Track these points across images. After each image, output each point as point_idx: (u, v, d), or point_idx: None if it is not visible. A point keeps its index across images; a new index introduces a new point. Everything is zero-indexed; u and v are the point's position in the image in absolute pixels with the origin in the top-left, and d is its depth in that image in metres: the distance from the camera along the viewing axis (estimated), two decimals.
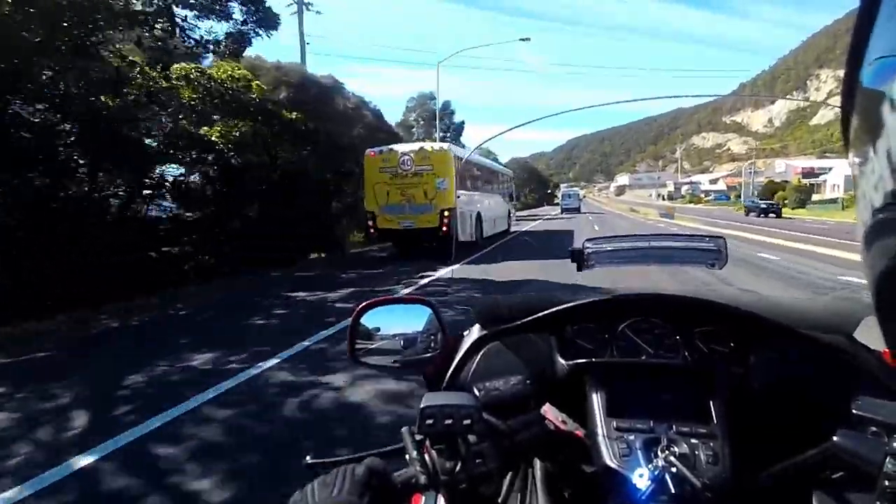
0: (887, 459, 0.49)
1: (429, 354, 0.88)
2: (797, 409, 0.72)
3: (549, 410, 0.72)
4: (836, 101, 0.32)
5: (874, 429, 0.56)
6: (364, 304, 0.89)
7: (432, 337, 0.89)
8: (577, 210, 39.63)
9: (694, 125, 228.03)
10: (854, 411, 0.58)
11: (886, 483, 0.48)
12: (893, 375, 0.69)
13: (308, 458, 0.62)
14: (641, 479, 0.60)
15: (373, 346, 0.90)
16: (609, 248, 1.02)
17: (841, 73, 0.32)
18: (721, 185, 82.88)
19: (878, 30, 0.29)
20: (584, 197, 72.19)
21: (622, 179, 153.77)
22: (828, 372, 0.74)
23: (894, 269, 0.27)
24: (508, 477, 0.79)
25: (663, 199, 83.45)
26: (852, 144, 0.32)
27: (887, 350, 0.72)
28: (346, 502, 0.50)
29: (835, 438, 0.57)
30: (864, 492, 0.54)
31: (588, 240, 1.02)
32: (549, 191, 79.53)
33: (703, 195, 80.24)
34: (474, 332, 0.90)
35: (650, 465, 0.62)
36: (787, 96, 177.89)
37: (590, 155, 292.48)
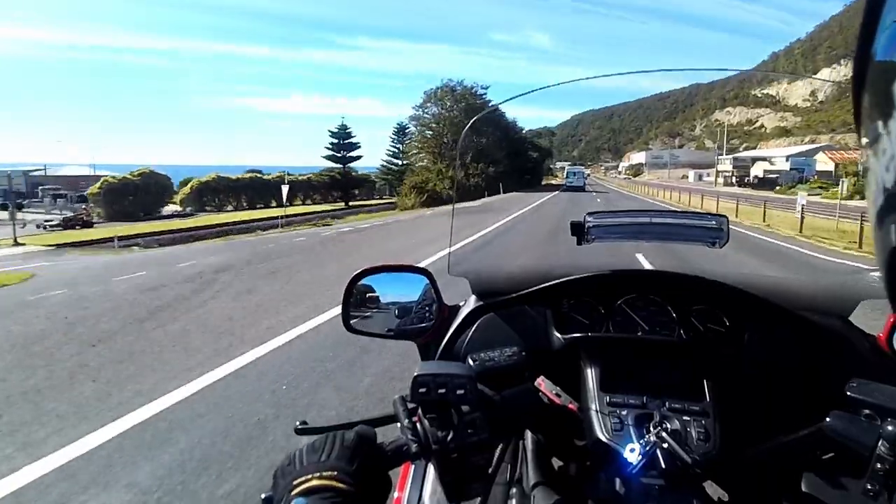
0: (880, 442, 0.50)
1: (424, 324, 0.89)
2: (790, 390, 0.73)
3: (542, 383, 0.72)
4: None
5: (867, 412, 0.55)
6: (359, 270, 0.89)
7: (427, 307, 0.89)
8: (582, 188, 40.36)
9: (715, 100, 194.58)
10: (848, 394, 0.57)
11: (878, 465, 0.49)
12: (886, 360, 0.70)
13: (298, 423, 0.60)
14: (633, 453, 0.61)
15: (367, 314, 0.90)
16: (610, 222, 0.99)
17: None
18: (826, 165, 50.37)
19: None
20: (589, 175, 67.09)
21: (637, 157, 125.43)
22: (822, 354, 0.75)
23: None
24: (499, 448, 0.78)
25: (735, 183, 49.79)
26: (865, 115, 0.28)
27: (882, 335, 0.73)
28: (335, 467, 0.50)
29: (827, 420, 0.57)
30: (853, 474, 0.56)
31: (590, 213, 0.98)
32: (525, 163, 49.39)
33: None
34: (470, 303, 0.91)
35: (642, 441, 0.63)
36: (833, 66, 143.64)
37: (597, 131, 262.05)
